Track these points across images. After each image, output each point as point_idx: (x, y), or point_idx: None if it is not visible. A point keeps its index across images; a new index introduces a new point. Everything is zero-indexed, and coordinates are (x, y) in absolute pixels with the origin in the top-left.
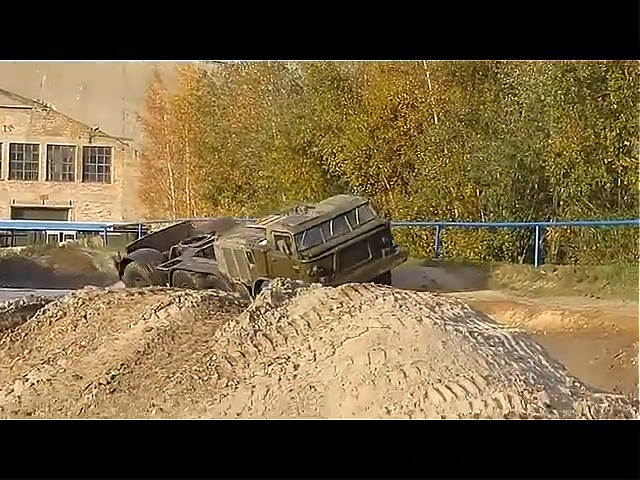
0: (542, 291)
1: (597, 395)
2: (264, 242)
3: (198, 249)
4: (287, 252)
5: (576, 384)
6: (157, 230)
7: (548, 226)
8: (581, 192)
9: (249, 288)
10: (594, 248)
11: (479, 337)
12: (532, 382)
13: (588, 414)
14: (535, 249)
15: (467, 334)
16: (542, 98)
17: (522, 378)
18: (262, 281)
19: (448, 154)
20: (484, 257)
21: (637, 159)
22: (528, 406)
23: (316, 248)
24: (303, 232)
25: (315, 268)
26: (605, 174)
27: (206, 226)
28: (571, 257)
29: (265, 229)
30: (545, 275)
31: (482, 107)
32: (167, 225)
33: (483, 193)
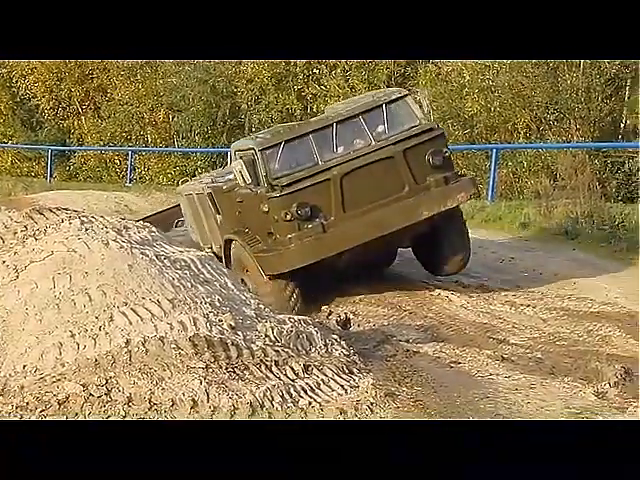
0: None
1: (280, 317)
2: (231, 175)
3: None
4: (252, 181)
5: (260, 306)
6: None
7: None
8: (272, 118)
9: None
10: None
11: (166, 260)
12: (217, 305)
13: (271, 335)
14: None
15: (154, 257)
16: None
17: (208, 301)
18: (231, 240)
19: (141, 79)
20: (177, 182)
21: (326, 87)
22: (213, 328)
23: (299, 172)
24: (276, 146)
25: (295, 207)
26: (295, 101)
27: None
28: None
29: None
30: None
31: None
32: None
33: (176, 118)
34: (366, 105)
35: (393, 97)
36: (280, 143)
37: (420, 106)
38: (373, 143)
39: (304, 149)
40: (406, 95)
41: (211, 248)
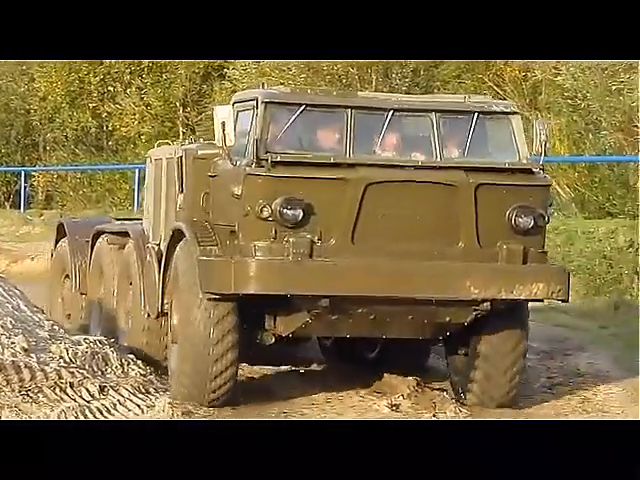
0: (29, 236)
1: (76, 338)
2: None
3: None
4: (236, 144)
5: (55, 327)
6: None
7: (34, 171)
8: (67, 137)
9: (159, 261)
10: (80, 193)
11: None
12: (10, 327)
13: (66, 356)
14: (21, 194)
15: None
16: None
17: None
18: (181, 232)
19: None
20: None
21: (122, 105)
22: (5, 351)
23: (308, 155)
24: (292, 107)
25: (281, 201)
26: (90, 119)
27: None
28: (58, 202)
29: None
30: (31, 220)
31: None
32: None
33: None
34: (449, 104)
35: (493, 108)
36: (299, 104)
37: (531, 140)
38: (436, 156)
39: (332, 127)
40: (514, 113)
41: (159, 245)
